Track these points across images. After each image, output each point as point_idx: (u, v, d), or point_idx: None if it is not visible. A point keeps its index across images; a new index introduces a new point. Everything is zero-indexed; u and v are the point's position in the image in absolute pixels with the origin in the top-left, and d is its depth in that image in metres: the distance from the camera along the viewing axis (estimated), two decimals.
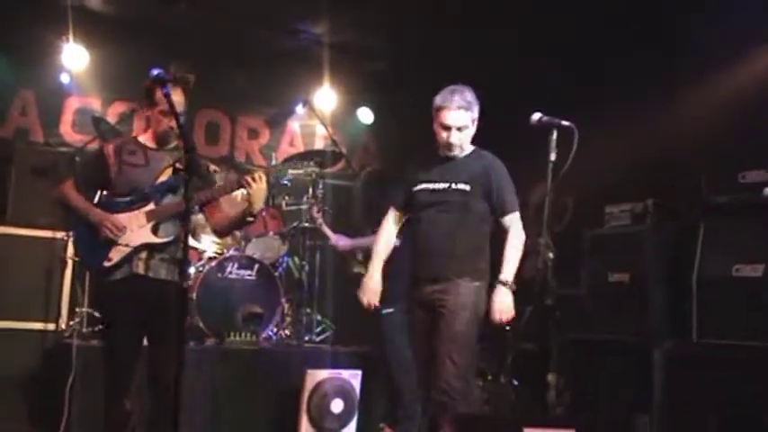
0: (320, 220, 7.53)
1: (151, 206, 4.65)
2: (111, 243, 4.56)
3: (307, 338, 7.43)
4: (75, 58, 8.05)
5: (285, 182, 7.67)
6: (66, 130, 8.42)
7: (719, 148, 6.44)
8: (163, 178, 4.70)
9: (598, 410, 6.62)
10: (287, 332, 7.47)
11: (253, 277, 7.10)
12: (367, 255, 5.68)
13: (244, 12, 7.90)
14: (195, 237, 7.18)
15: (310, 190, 7.73)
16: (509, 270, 4.94)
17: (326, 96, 9.27)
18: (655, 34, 6.99)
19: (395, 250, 5.29)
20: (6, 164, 6.83)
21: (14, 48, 7.99)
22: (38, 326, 6.36)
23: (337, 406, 6.30)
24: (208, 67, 8.24)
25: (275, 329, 7.26)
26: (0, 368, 6.17)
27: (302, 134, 9.77)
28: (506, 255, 4.98)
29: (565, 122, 4.70)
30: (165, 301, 4.46)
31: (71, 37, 7.92)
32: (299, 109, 9.27)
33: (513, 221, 5.04)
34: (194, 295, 6.70)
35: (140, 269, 4.60)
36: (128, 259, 4.59)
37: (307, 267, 7.70)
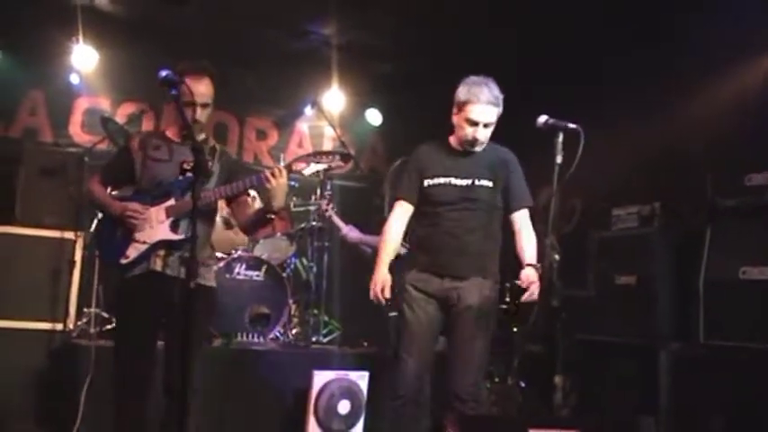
0: (330, 212, 7.57)
1: (171, 201, 4.54)
2: (130, 240, 4.48)
3: (314, 339, 7.44)
4: (84, 58, 8.09)
5: (292, 183, 7.72)
6: (76, 131, 8.46)
7: (725, 151, 6.44)
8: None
9: (604, 412, 6.61)
10: (294, 333, 7.49)
11: (260, 278, 7.12)
12: (376, 251, 5.58)
13: (253, 13, 7.91)
14: None
15: (318, 191, 7.77)
16: (535, 258, 4.86)
17: (335, 98, 9.29)
18: (662, 36, 6.98)
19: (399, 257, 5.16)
20: (15, 164, 6.83)
21: (24, 48, 8.03)
22: (46, 326, 6.36)
23: (344, 407, 6.30)
24: (216, 68, 8.28)
25: (283, 330, 7.28)
26: (8, 368, 6.16)
27: (311, 135, 9.80)
28: (531, 248, 4.88)
29: (571, 125, 4.69)
30: (183, 300, 4.27)
31: (80, 37, 7.96)
32: (308, 110, 9.33)
33: (527, 217, 4.98)
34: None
35: (158, 266, 4.50)
36: (145, 256, 4.49)
37: (314, 268, 7.71)
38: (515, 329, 5.23)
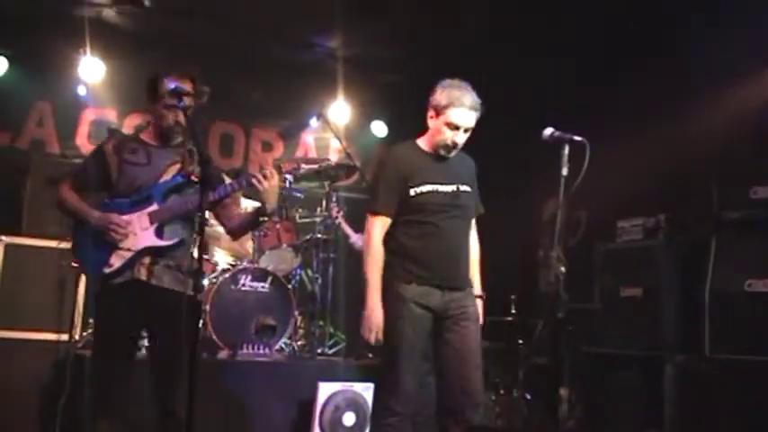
0: (340, 219, 7.59)
1: (154, 207, 4.37)
2: (112, 247, 4.29)
3: (319, 351, 7.44)
4: (91, 70, 8.14)
5: (298, 194, 7.75)
6: (83, 142, 8.50)
7: (731, 164, 6.45)
8: (166, 177, 4.45)
9: (610, 424, 6.61)
10: (300, 344, 7.49)
11: (266, 289, 7.10)
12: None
13: (259, 25, 7.95)
14: (206, 251, 7.16)
15: (324, 203, 7.79)
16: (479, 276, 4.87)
17: (340, 110, 9.33)
18: (667, 48, 6.99)
19: None
20: (22, 175, 6.86)
21: (31, 60, 8.08)
22: (51, 336, 6.37)
23: (349, 419, 6.29)
24: (222, 80, 8.32)
25: (288, 342, 7.28)
26: (13, 378, 6.18)
27: (316, 147, 9.84)
28: (477, 262, 4.89)
29: (577, 137, 4.68)
30: (168, 312, 4.23)
31: (88, 49, 8.00)
32: (314, 122, 9.36)
33: (474, 225, 4.93)
34: (208, 307, 6.72)
35: (143, 275, 4.32)
36: (129, 264, 4.30)
37: (320, 280, 7.70)
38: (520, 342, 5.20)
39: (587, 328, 6.83)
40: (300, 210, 7.99)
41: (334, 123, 9.04)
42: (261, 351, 6.80)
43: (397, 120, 9.55)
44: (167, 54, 7.87)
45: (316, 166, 4.79)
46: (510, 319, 7.45)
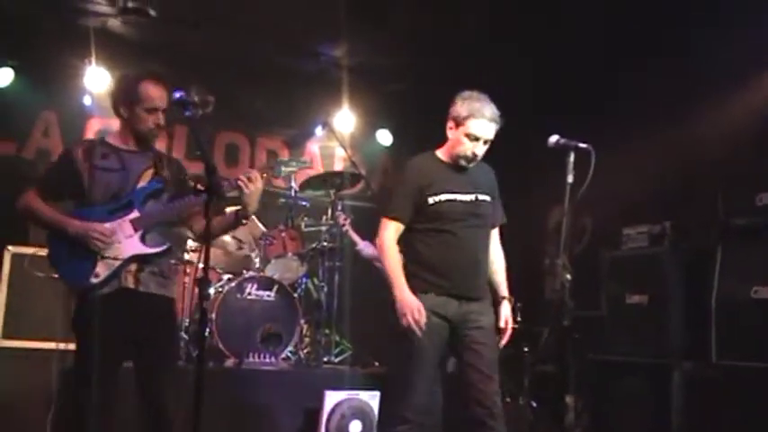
0: (347, 226, 7.59)
1: (135, 214, 4.27)
2: (95, 257, 4.17)
3: (325, 359, 7.43)
4: (97, 80, 8.13)
5: (304, 203, 7.76)
6: None
7: (736, 170, 6.45)
8: (142, 183, 4.36)
9: None
10: (306, 353, 7.49)
11: (272, 298, 7.11)
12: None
13: (263, 35, 7.97)
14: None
15: (329, 211, 7.79)
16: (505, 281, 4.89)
17: (345, 118, 9.34)
18: (672, 54, 6.99)
19: None
20: (28, 185, 6.86)
21: (37, 69, 8.09)
22: (58, 346, 6.37)
23: (356, 427, 6.27)
24: (227, 90, 8.34)
25: (294, 350, 7.27)
26: (20, 388, 6.18)
27: (321, 156, 9.83)
28: (502, 269, 4.92)
29: (582, 144, 4.69)
30: (158, 316, 4.26)
31: (93, 59, 8.01)
32: (319, 131, 9.36)
33: (497, 234, 4.97)
34: (214, 315, 6.73)
35: (130, 283, 4.24)
36: (116, 273, 4.20)
37: (325, 288, 7.71)
38: (525, 349, 5.19)
39: (593, 336, 6.83)
40: (306, 218, 8.00)
41: (340, 132, 9.06)
42: (267, 359, 6.80)
43: (401, 128, 9.56)
44: (172, 64, 7.88)
45: (294, 169, 4.81)
46: (516, 326, 7.43)
